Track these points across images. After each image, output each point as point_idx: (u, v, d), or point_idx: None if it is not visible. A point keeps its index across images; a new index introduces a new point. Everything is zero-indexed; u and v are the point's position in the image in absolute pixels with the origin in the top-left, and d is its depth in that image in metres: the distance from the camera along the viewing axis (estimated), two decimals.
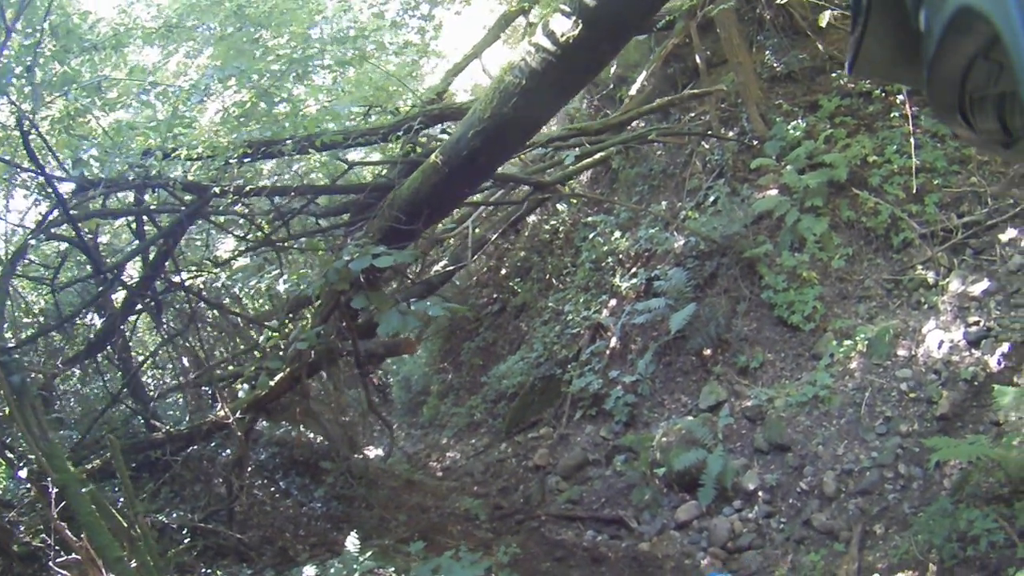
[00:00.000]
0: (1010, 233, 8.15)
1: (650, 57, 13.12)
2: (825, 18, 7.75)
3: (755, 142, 10.94)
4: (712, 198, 11.03)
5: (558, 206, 15.14)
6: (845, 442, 7.65)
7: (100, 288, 7.96)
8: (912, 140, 8.95)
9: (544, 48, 5.33)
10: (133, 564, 4.59)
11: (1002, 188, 8.58)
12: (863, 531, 6.63)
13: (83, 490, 4.24)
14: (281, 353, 7.87)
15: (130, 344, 10.25)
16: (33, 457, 4.48)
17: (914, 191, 8.93)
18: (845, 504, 7.09)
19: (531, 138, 7.41)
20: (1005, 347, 7.13)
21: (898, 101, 9.89)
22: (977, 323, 7.62)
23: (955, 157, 9.07)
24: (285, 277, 7.53)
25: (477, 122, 6.24)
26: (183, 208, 7.38)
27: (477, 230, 13.46)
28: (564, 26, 5.17)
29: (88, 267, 8.25)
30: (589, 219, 13.55)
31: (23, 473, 5.89)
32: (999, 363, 7.09)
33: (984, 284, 7.89)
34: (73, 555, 4.34)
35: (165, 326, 9.20)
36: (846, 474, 7.35)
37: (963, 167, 9.02)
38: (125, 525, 4.73)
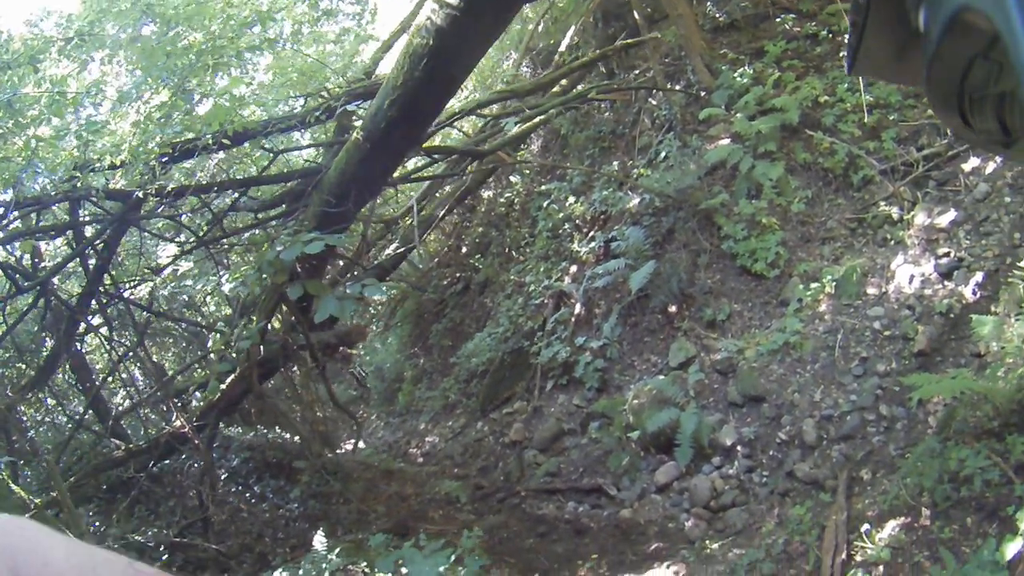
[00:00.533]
0: (973, 162, 8.04)
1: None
2: None
3: (702, 93, 10.76)
4: (663, 153, 10.87)
5: (511, 178, 14.97)
6: (822, 387, 7.52)
7: (29, 304, 7.68)
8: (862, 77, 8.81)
9: (447, 3, 5.09)
10: None
11: None
12: (849, 478, 6.45)
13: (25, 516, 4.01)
14: (231, 355, 7.60)
15: (89, 364, 10.00)
16: None
17: (870, 128, 8.80)
18: (828, 451, 6.96)
19: (449, 99, 7.15)
20: (979, 276, 7.03)
21: (846, 41, 9.71)
22: (947, 254, 7.50)
23: (909, 92, 8.94)
24: (227, 277, 7.25)
25: (391, 91, 6.00)
26: (110, 215, 7.07)
27: (425, 209, 13.22)
28: None
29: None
30: (543, 188, 13.38)
31: None
32: (974, 293, 6.99)
33: (951, 215, 7.78)
34: None
35: (114, 342, 8.90)
36: (826, 420, 7.21)
37: (918, 100, 8.87)
38: None
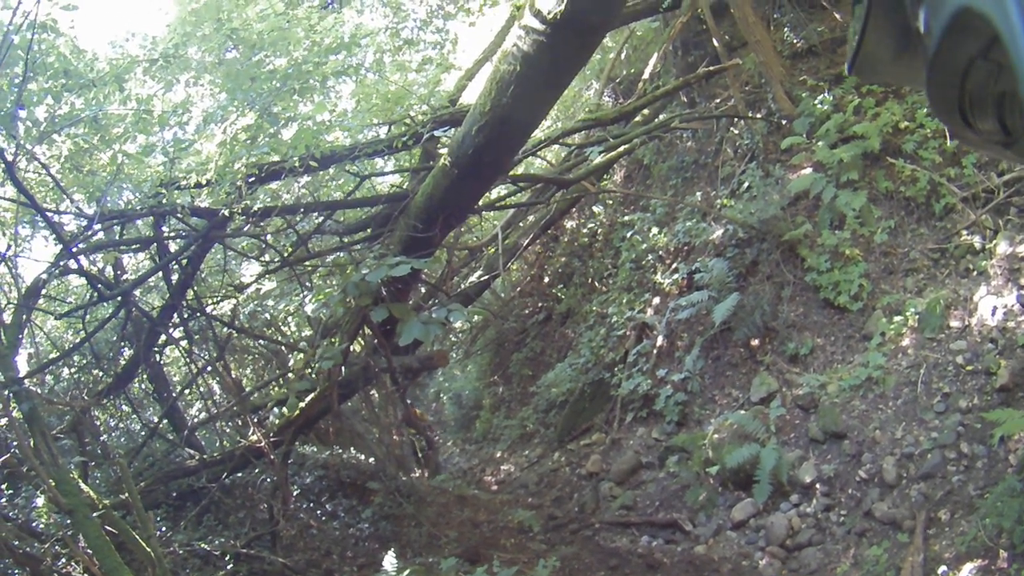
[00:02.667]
0: None
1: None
2: None
3: (783, 121, 10.60)
4: (746, 183, 10.72)
5: (594, 209, 14.97)
6: (903, 424, 7.23)
7: (110, 314, 8.01)
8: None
9: (533, 29, 5.12)
10: None
11: None
12: (927, 518, 6.22)
13: (93, 515, 4.18)
14: (311, 374, 7.77)
15: (167, 376, 10.34)
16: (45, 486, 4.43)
17: (950, 153, 8.50)
18: (907, 491, 6.68)
19: (536, 127, 7.16)
20: None
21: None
22: None
23: None
24: (310, 298, 7.43)
25: (479, 117, 6.04)
26: (195, 231, 7.36)
27: (509, 238, 13.30)
28: (550, 3, 4.97)
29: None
30: (626, 218, 13.34)
31: (40, 501, 5.88)
32: None
33: None
34: None
35: (194, 355, 9.21)
36: (906, 458, 6.93)
37: None
38: (148, 551, 4.66)
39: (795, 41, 11.59)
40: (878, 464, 7.09)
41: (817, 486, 7.48)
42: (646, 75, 12.93)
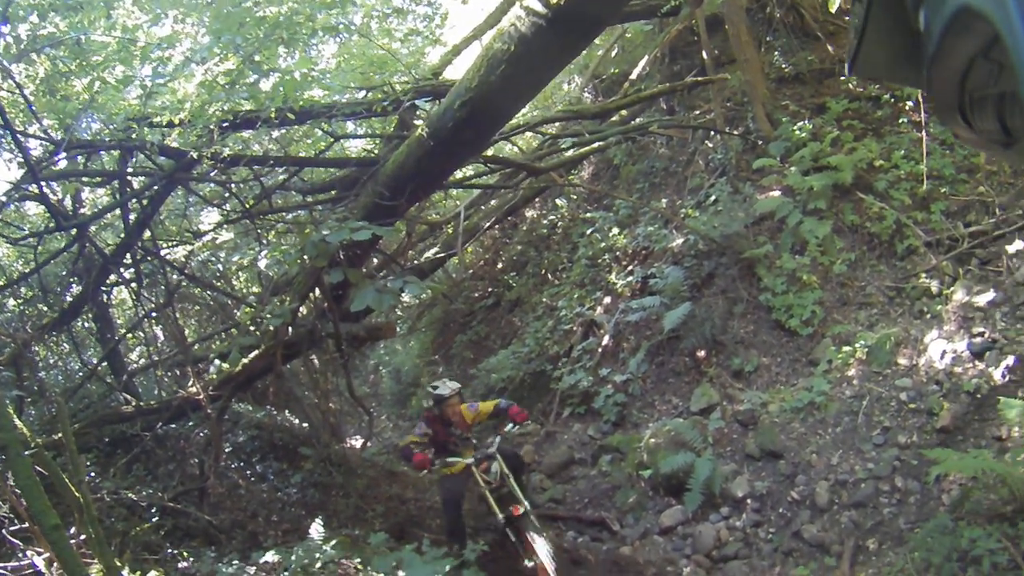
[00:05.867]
0: (1018, 244, 7.91)
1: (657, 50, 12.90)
2: (835, 3, 7.46)
3: (760, 142, 10.72)
4: (713, 197, 10.81)
5: (557, 201, 14.96)
6: (840, 451, 7.37)
7: (63, 246, 7.73)
8: (924, 146, 8.71)
9: (534, 11, 5.04)
10: (83, 536, 4.34)
11: (1011, 199, 8.38)
12: (855, 545, 6.34)
13: (25, 453, 3.99)
14: (255, 330, 7.60)
15: (112, 316, 10.03)
16: None
17: (922, 197, 8.69)
18: (838, 516, 6.81)
19: (519, 110, 7.09)
20: (1010, 360, 6.87)
21: (908, 107, 9.68)
22: (982, 334, 7.36)
23: (964, 165, 8.87)
24: (265, 253, 7.26)
25: (463, 92, 5.94)
26: (161, 171, 7.12)
27: (470, 219, 13.23)
28: None
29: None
30: (588, 215, 13.36)
31: None
32: (1003, 376, 6.83)
33: (990, 295, 7.64)
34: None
35: (142, 299, 8.94)
36: (840, 484, 7.06)
37: (971, 176, 8.81)
38: (78, 496, 4.48)
39: (783, 66, 11.73)
40: (811, 487, 7.21)
41: (748, 501, 7.57)
42: (633, 76, 12.95)
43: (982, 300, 7.66)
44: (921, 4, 0.88)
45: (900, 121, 9.77)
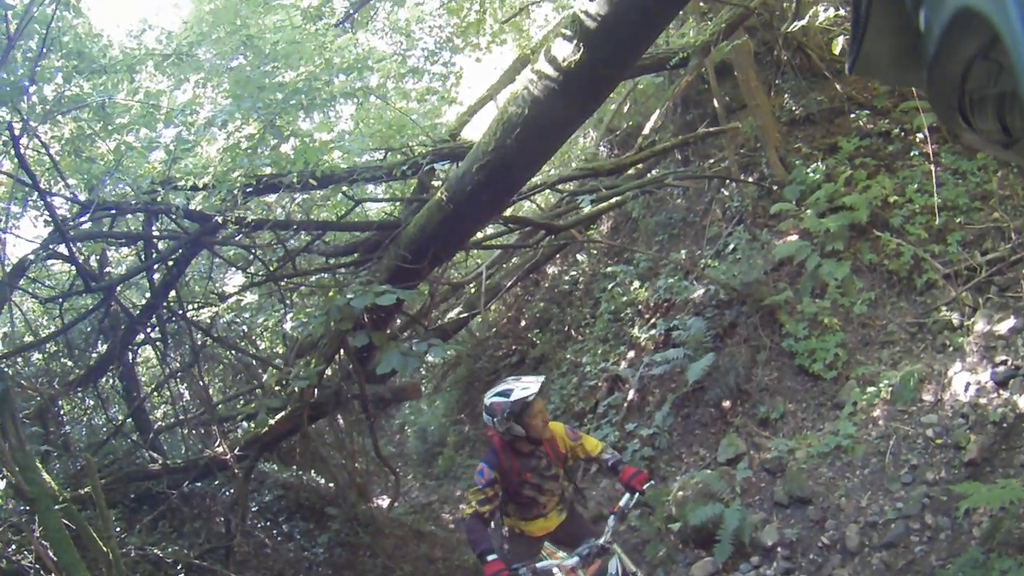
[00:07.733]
0: None
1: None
2: (839, 45, 7.58)
3: (775, 187, 10.78)
4: (732, 245, 10.84)
5: (578, 256, 15.04)
6: (869, 493, 7.27)
7: (92, 306, 7.90)
8: (934, 178, 8.74)
9: (546, 75, 5.19)
10: None
11: None
12: None
13: (55, 507, 4.08)
14: (281, 391, 7.69)
15: (138, 375, 10.18)
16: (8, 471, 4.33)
17: (938, 230, 8.69)
18: (869, 558, 6.68)
19: (536, 171, 7.22)
20: None
21: (918, 140, 9.73)
22: (1004, 362, 7.31)
23: (977, 193, 8.88)
24: (291, 315, 7.39)
25: (481, 155, 6.08)
26: (186, 234, 7.33)
27: (492, 278, 13.33)
28: (566, 51, 5.05)
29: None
30: (608, 269, 13.41)
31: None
32: None
33: (1011, 322, 7.60)
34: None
35: (169, 359, 9.10)
36: (870, 527, 6.95)
37: (985, 203, 8.81)
38: (105, 549, 4.54)
39: (794, 108, 11.82)
40: (841, 531, 7.09)
41: (779, 549, 7.44)
42: (646, 130, 13.12)
43: (1003, 328, 7.62)
44: (921, 4, 0.89)
45: (911, 154, 9.82)
